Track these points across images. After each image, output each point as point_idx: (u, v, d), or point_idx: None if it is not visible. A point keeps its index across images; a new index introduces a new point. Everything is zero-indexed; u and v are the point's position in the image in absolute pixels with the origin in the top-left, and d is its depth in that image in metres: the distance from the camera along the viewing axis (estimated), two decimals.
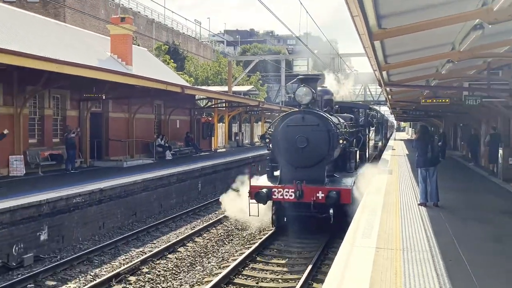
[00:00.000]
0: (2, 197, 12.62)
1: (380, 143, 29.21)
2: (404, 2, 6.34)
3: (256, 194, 12.97)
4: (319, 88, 15.35)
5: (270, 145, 14.37)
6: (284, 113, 14.18)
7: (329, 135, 13.19)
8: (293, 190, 12.69)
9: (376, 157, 24.77)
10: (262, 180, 14.24)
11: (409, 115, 37.63)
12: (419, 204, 11.33)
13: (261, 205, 13.36)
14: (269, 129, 14.97)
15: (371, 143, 22.59)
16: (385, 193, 12.98)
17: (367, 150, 19.16)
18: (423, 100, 16.34)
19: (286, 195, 12.84)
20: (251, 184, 13.55)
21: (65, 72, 15.71)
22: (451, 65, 10.85)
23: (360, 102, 36.93)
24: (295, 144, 13.17)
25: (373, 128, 23.56)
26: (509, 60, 12.96)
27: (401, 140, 49.50)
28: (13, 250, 11.58)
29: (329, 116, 13.96)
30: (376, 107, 32.28)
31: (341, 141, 13.33)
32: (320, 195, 12.45)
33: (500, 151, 17.52)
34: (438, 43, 9.89)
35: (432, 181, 11.26)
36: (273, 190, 13.07)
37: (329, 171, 13.73)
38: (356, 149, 15.69)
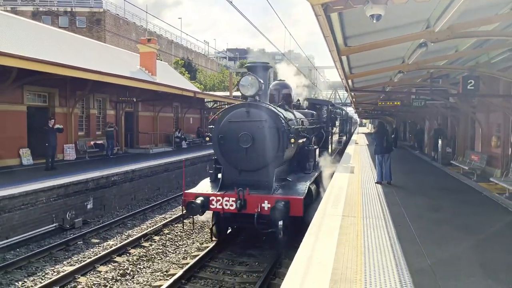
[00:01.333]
0: (58, 176, 12.63)
1: (344, 138, 24.54)
2: (364, 26, 6.25)
3: (188, 205, 8.32)
4: (276, 82, 11.68)
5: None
6: (228, 107, 9.45)
7: (279, 133, 8.77)
8: (234, 199, 8.31)
9: (340, 151, 19.60)
10: (201, 185, 9.39)
11: (369, 114, 37.54)
12: (376, 183, 11.28)
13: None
14: (210, 125, 9.98)
15: (335, 138, 17.76)
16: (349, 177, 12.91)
17: (329, 146, 14.14)
18: (380, 102, 16.22)
19: (226, 205, 8.42)
20: (185, 190, 8.94)
21: (105, 80, 15.76)
22: (401, 75, 10.76)
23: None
24: (238, 144, 8.73)
25: (337, 124, 18.90)
26: (447, 71, 12.91)
27: (363, 133, 49.50)
28: (67, 216, 11.68)
29: (280, 111, 9.35)
30: (344, 107, 30.39)
31: (292, 140, 8.75)
32: (266, 205, 8.17)
33: (440, 142, 17.50)
34: (391, 58, 9.82)
35: (386, 164, 11.22)
36: (210, 198, 8.50)
37: (281, 173, 9.41)
38: (315, 147, 11.11)
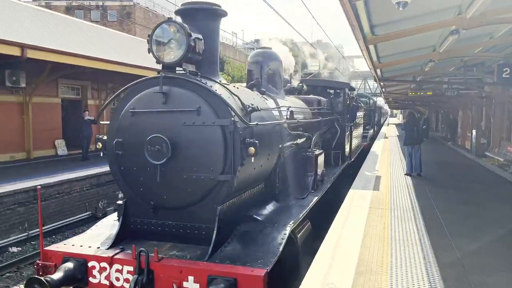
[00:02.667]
0: (91, 166, 13.05)
1: (371, 131, 20.23)
2: (391, 14, 6.10)
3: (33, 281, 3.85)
4: (256, 51, 7.09)
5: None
6: (136, 82, 4.79)
7: (225, 136, 4.33)
8: (131, 268, 4.08)
9: (364, 151, 15.41)
10: (93, 232, 5.12)
11: (400, 104, 36.65)
12: (405, 174, 11.08)
13: None
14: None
15: (357, 133, 13.38)
16: (379, 161, 12.71)
17: (347, 146, 10.36)
18: (410, 93, 15.82)
19: (119, 280, 4.13)
20: (45, 247, 4.50)
21: (136, 73, 16.06)
22: (433, 63, 10.46)
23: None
24: (144, 157, 4.44)
25: (360, 115, 14.45)
26: (481, 59, 12.43)
27: (394, 124, 48.43)
28: (99, 205, 12.05)
29: (239, 94, 4.79)
30: (373, 97, 28.54)
31: (252, 150, 4.35)
32: (192, 286, 3.90)
33: (474, 133, 16.94)
34: (421, 46, 9.55)
35: (416, 156, 10.99)
36: (89, 264, 4.23)
37: (242, 208, 5.04)
38: (316, 152, 7.06)
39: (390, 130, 33.61)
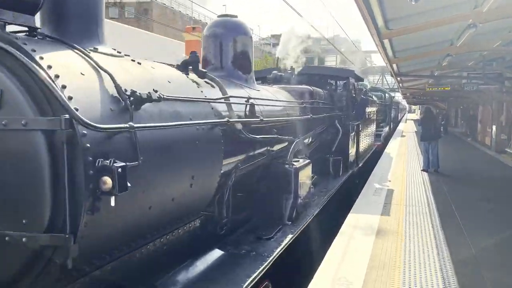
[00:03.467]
0: None
1: (386, 129, 18.37)
2: (405, 8, 6.04)
3: None
4: (218, 19, 4.99)
5: None
6: None
7: (53, 153, 1.97)
8: None
9: (375, 154, 13.28)
10: None
11: (418, 99, 36.08)
12: (422, 170, 10.97)
13: None
14: None
15: (369, 131, 11.77)
16: (393, 163, 12.60)
17: (352, 150, 8.65)
18: (428, 88, 15.59)
19: None
20: None
21: None
22: (450, 58, 10.29)
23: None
24: None
25: (372, 111, 12.75)
26: (502, 53, 12.16)
27: (412, 120, 47.77)
28: None
29: (115, 67, 2.49)
30: (390, 92, 27.18)
31: (107, 183, 1.99)
32: None
33: (494, 128, 16.61)
34: (438, 40, 9.40)
35: (433, 152, 10.88)
36: None
37: (160, 259, 2.85)
38: (298, 164, 5.02)
39: (408, 126, 33.04)
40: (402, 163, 12.47)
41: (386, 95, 19.14)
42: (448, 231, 5.93)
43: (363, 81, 10.62)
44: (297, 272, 4.60)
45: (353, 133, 8.77)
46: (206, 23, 60.47)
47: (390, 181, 9.42)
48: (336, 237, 5.44)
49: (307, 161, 5.42)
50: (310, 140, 6.66)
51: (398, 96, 42.74)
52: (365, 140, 11.13)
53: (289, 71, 7.73)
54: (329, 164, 7.74)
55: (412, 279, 4.30)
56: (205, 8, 32.94)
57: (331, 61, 58.99)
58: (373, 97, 14.60)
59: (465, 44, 8.57)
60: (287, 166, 4.86)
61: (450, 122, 32.29)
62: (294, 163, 4.98)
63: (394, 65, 11.46)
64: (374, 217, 6.50)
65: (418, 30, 6.66)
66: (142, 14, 46.31)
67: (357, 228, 5.91)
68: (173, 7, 52.79)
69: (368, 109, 11.22)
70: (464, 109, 28.70)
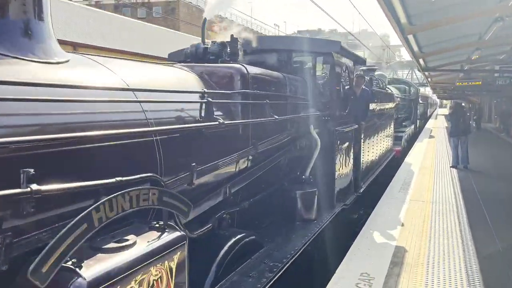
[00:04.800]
0: None
1: (411, 128, 15.49)
2: (428, 3, 5.94)
3: None
4: None
5: None
6: None
7: None
8: None
9: (399, 155, 11.66)
10: None
11: (448, 94, 35.09)
12: (451, 167, 10.76)
13: None
14: None
15: (380, 137, 9.27)
16: (422, 158, 12.38)
17: (341, 175, 5.93)
18: (458, 83, 15.20)
19: None
20: None
21: None
22: (480, 51, 10.02)
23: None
24: None
25: (389, 108, 10.39)
26: None
27: (443, 115, 46.53)
28: None
29: None
30: (421, 88, 24.89)
31: None
32: None
33: None
34: (466, 34, 9.17)
35: (463, 147, 10.64)
36: None
37: None
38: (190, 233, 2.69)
39: (438, 123, 31.86)
40: (431, 159, 12.25)
41: (411, 88, 15.99)
42: (475, 230, 5.83)
43: (365, 64, 7.61)
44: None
45: (346, 144, 6.03)
46: (232, 20, 60.92)
47: (417, 177, 9.29)
48: (360, 233, 5.47)
49: (178, 233, 2.27)
50: (248, 162, 3.86)
51: (428, 91, 41.65)
52: (374, 150, 8.41)
53: (234, 44, 4.33)
54: (296, 204, 4.85)
55: (436, 276, 4.29)
56: (231, 7, 32.96)
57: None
58: (390, 89, 11.94)
59: (494, 38, 8.35)
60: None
61: (484, 117, 31.30)
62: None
63: (421, 60, 11.25)
64: (399, 213, 6.47)
65: (443, 24, 6.55)
66: (169, 13, 47.05)
67: (380, 224, 5.91)
68: (199, 6, 53.31)
69: (379, 106, 8.68)
70: (498, 104, 27.75)
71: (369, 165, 7.99)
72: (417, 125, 18.31)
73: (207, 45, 4.32)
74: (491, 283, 4.16)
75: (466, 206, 7.06)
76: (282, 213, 4.84)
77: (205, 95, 3.12)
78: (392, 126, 11.10)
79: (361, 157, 7.12)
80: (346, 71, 6.45)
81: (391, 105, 10.69)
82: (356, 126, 6.56)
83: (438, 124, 29.21)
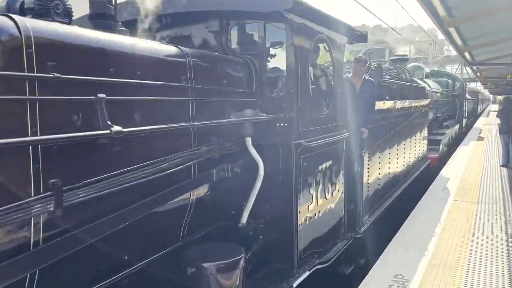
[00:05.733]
0: None
1: (455, 129, 13.36)
2: None
3: None
4: None
5: None
6: None
7: None
8: None
9: (435, 164, 9.96)
10: None
11: (501, 89, 33.07)
12: (501, 165, 10.16)
13: None
14: None
15: (406, 144, 7.41)
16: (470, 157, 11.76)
17: (302, 222, 3.65)
18: (508, 76, 14.29)
19: None
20: None
21: None
22: None
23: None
24: None
25: (423, 105, 8.81)
26: None
27: (495, 111, 44.00)
28: None
29: None
30: (472, 84, 22.28)
31: None
32: None
33: None
34: None
35: None
36: None
37: None
38: None
39: (490, 120, 29.60)
40: (479, 157, 11.63)
41: (456, 82, 13.72)
42: None
43: (365, 41, 4.98)
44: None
45: (325, 164, 4.08)
46: None
47: (463, 176, 8.84)
48: (396, 234, 5.30)
49: None
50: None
51: (479, 85, 39.53)
52: (391, 164, 6.48)
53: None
54: None
55: (476, 281, 4.07)
56: None
57: (404, 52, 56.22)
58: (426, 82, 10.52)
59: None
60: None
61: None
62: None
63: (467, 54, 10.68)
64: (440, 214, 6.20)
65: (485, 15, 6.18)
66: None
67: (419, 224, 5.69)
68: None
69: (400, 104, 6.73)
70: None
71: (381, 188, 5.98)
72: (463, 124, 16.08)
73: None
74: None
75: None
76: None
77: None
78: (425, 128, 9.15)
79: (364, 179, 5.20)
80: (324, 46, 4.28)
81: (423, 102, 8.75)
82: (347, 134, 4.45)
83: (490, 121, 27.62)
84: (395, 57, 8.10)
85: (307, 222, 3.78)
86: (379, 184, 5.92)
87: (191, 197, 2.91)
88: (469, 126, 17.95)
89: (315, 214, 3.97)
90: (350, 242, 4.58)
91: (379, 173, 5.90)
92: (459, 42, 8.83)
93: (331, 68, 4.55)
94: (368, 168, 5.36)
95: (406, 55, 9.82)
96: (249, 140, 3.28)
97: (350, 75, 5.28)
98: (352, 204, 4.95)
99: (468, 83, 20.81)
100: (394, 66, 7.81)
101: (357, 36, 4.81)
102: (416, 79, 9.69)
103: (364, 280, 4.03)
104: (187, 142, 2.80)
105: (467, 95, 16.40)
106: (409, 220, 5.91)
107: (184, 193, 2.81)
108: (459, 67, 44.38)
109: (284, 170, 3.53)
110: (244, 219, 3.34)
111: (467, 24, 7.14)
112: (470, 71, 43.03)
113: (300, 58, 3.60)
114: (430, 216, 6.09)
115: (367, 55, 6.18)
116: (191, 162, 2.76)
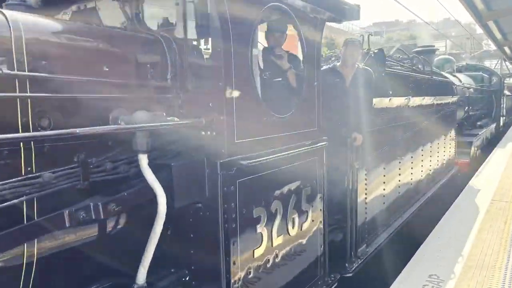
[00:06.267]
0: None
1: (491, 129, 12.16)
2: None
3: None
4: None
5: None
6: None
7: None
8: None
9: (465, 170, 9.01)
10: None
11: None
12: None
13: None
14: None
15: (425, 151, 6.35)
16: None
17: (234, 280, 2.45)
18: None
19: None
20: None
21: None
22: None
23: None
24: None
25: (446, 103, 7.67)
26: None
27: None
28: None
29: None
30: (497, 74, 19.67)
31: None
32: None
33: None
34: None
35: None
36: None
37: None
38: None
39: None
40: None
41: (493, 77, 12.28)
42: None
43: (357, 17, 3.65)
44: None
45: (287, 187, 2.98)
46: None
47: (502, 175, 8.52)
48: (430, 234, 5.20)
49: None
50: None
51: None
52: (402, 176, 5.46)
53: None
54: None
55: None
56: None
57: (440, 47, 54.50)
58: (456, 76, 9.37)
59: None
60: None
61: None
62: None
63: (507, 48, 10.26)
64: (477, 213, 6.02)
65: None
66: None
67: (455, 224, 5.55)
68: None
69: (414, 101, 5.60)
70: None
71: (387, 207, 5.00)
72: (501, 123, 14.16)
73: None
74: None
75: None
76: None
77: None
78: (452, 129, 8.09)
79: (360, 198, 4.21)
80: (286, 20, 3.29)
81: (449, 98, 7.65)
82: (325, 143, 3.36)
83: None
84: (420, 48, 7.00)
85: (251, 275, 2.60)
86: (383, 203, 4.83)
87: (30, 254, 1.81)
88: (507, 126, 15.95)
89: (268, 261, 2.76)
90: (335, 286, 3.56)
91: (384, 189, 4.81)
92: (498, 36, 8.47)
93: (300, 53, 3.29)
94: (366, 184, 4.30)
95: (433, 46, 8.58)
96: (143, 158, 2.14)
97: (338, 63, 4.29)
98: (339, 235, 3.99)
99: (508, 79, 18.98)
100: (408, 54, 6.58)
101: (342, 10, 3.50)
102: (442, 73, 8.63)
103: (397, 278, 3.99)
104: (13, 166, 1.74)
105: (505, 91, 14.42)
106: (444, 219, 5.77)
107: (7, 249, 1.72)
108: (499, 62, 42.67)
109: (210, 202, 2.40)
110: (141, 278, 2.19)
111: (506, 18, 6.85)
112: (510, 66, 41.27)
113: (238, 35, 2.41)
114: (466, 216, 5.93)
115: (366, 39, 4.72)
116: (15, 200, 1.69)
